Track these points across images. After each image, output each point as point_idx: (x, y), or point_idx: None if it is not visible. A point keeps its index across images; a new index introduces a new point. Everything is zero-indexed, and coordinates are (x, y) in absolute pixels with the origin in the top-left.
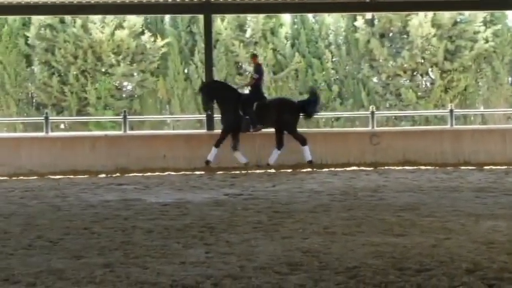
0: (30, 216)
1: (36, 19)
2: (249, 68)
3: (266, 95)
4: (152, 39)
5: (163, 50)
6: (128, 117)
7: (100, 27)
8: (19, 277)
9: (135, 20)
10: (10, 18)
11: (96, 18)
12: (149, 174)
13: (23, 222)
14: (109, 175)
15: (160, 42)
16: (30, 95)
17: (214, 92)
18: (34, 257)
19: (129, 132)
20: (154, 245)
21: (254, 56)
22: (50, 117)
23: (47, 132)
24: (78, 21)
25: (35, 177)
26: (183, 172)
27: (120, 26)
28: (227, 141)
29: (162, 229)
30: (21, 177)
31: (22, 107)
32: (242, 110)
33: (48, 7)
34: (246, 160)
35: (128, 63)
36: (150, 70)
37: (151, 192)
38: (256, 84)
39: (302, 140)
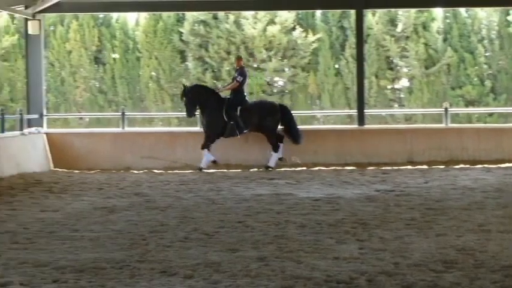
0: (185, 209)
1: (190, 15)
2: (400, 63)
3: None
4: (303, 34)
5: (314, 45)
6: None
7: (252, 23)
8: (176, 269)
9: (286, 16)
10: (164, 14)
11: (249, 14)
12: (300, 169)
13: (179, 215)
14: (261, 169)
15: (311, 37)
16: None
17: (196, 97)
18: (191, 250)
19: (279, 127)
20: (307, 240)
21: (239, 59)
22: None
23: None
24: (231, 17)
25: (190, 171)
26: (333, 167)
27: (272, 22)
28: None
29: (315, 224)
30: (176, 171)
31: (177, 102)
32: (227, 115)
33: (201, 3)
34: (213, 158)
35: (279, 58)
36: (301, 65)
37: (303, 187)
38: (239, 88)
39: (275, 146)
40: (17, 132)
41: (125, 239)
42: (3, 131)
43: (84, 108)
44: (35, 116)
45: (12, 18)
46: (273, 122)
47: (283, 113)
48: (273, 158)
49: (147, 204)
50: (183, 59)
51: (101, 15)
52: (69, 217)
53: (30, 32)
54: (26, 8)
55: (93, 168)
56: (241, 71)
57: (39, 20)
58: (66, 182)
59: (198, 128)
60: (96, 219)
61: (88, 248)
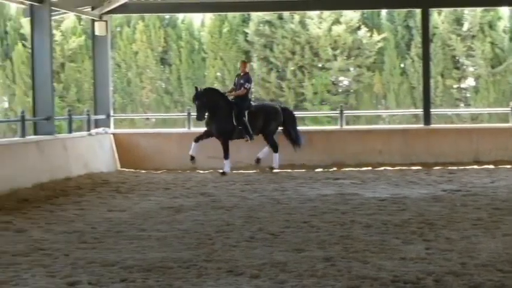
0: (251, 209)
1: (255, 15)
2: (466, 62)
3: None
4: (369, 34)
5: (380, 44)
6: (344, 112)
7: (317, 23)
8: (243, 269)
9: (351, 15)
10: (230, 15)
11: (314, 13)
12: (365, 169)
13: (244, 215)
14: (326, 169)
15: (376, 37)
16: None
17: (210, 101)
18: (256, 249)
19: (345, 127)
20: (373, 240)
21: (244, 63)
22: None
23: None
24: (296, 17)
25: (255, 171)
26: (398, 167)
27: (337, 21)
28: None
29: (381, 224)
30: (241, 171)
31: None
32: (236, 119)
33: (267, 3)
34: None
35: (345, 58)
36: (366, 65)
37: (368, 187)
38: (246, 94)
39: (275, 146)
40: (85, 133)
41: (191, 239)
42: (70, 132)
43: (151, 108)
44: (102, 116)
45: (79, 19)
46: (275, 126)
47: (284, 115)
48: (276, 159)
49: (213, 204)
50: (248, 59)
51: (167, 16)
52: (136, 217)
53: (97, 33)
54: (93, 9)
55: (159, 168)
56: (248, 77)
57: (105, 21)
58: (133, 182)
59: None
60: (163, 219)
61: (155, 247)
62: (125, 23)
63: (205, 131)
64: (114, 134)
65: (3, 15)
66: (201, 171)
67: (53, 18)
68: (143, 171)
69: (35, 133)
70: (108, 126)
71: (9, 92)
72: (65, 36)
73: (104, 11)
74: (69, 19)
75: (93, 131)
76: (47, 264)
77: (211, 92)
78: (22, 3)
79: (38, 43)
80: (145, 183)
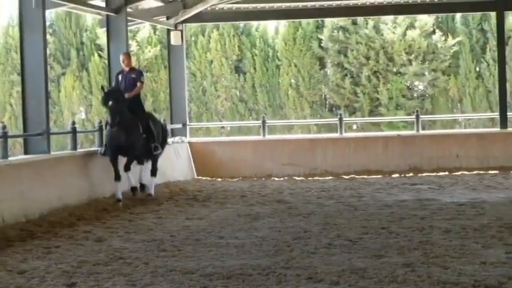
0: (328, 215)
1: (329, 21)
2: None
3: None
4: (443, 38)
5: (455, 48)
6: (420, 116)
7: (392, 28)
8: (322, 275)
9: (426, 20)
10: (304, 21)
11: (388, 18)
12: (442, 173)
13: (321, 222)
14: (402, 175)
15: (451, 40)
16: (323, 97)
17: (124, 103)
18: (335, 256)
19: (421, 132)
20: (452, 245)
21: (128, 56)
22: (344, 118)
23: (340, 133)
24: (370, 23)
25: (330, 177)
26: (476, 171)
27: (411, 26)
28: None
29: (460, 229)
30: (317, 178)
31: (316, 108)
32: (143, 127)
33: (341, 9)
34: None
35: (419, 62)
36: (441, 69)
37: (446, 192)
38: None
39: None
40: None
41: (269, 246)
42: None
43: (225, 117)
44: (178, 125)
45: (154, 29)
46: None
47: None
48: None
49: (289, 211)
50: (322, 65)
51: (241, 24)
52: (214, 224)
53: (172, 42)
54: (168, 18)
55: (235, 176)
56: (140, 71)
57: (180, 30)
58: (210, 190)
59: (337, 135)
60: (241, 226)
61: (234, 254)
62: (200, 32)
63: (114, 153)
64: (190, 143)
65: (79, 26)
66: (277, 179)
67: (128, 28)
68: (219, 179)
69: None
70: (185, 135)
71: (86, 103)
72: (140, 46)
73: (179, 20)
74: (144, 29)
75: (170, 140)
76: (127, 272)
77: (120, 92)
78: (98, 14)
79: (114, 53)
80: (221, 191)
